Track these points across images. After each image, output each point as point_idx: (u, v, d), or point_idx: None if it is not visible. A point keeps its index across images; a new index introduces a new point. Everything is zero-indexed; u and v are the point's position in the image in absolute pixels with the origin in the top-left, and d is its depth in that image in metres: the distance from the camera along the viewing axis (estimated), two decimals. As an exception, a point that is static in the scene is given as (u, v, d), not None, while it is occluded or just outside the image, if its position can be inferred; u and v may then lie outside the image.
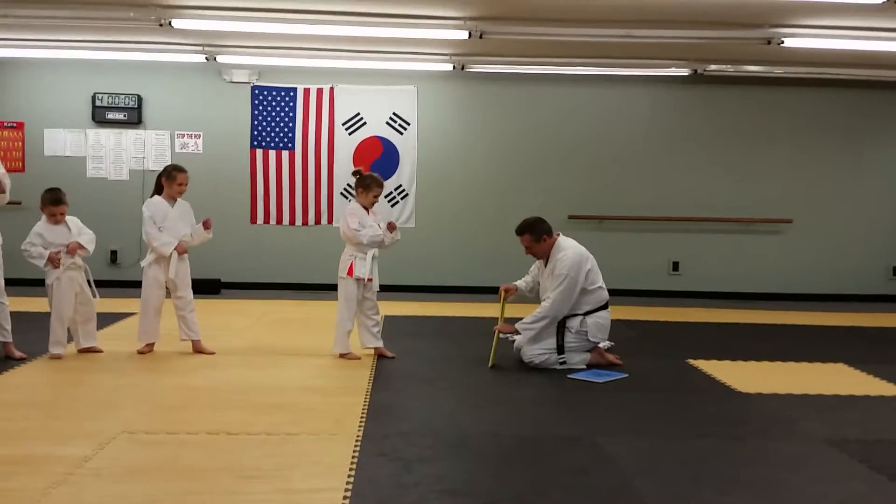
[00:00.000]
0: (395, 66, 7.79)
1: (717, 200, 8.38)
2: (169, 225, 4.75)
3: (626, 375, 4.49)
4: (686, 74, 8.01)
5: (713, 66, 7.76)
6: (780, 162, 8.38)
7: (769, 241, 8.48)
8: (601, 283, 4.74)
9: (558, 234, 4.79)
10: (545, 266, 4.78)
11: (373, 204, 4.83)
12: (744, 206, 8.38)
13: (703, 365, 4.86)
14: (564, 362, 4.62)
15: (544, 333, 4.63)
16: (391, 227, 4.85)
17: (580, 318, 4.66)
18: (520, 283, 5.00)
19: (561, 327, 4.64)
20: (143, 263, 4.83)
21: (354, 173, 4.87)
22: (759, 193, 8.40)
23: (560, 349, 4.62)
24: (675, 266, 8.48)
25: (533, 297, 4.91)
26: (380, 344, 4.87)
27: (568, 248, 4.68)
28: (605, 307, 4.75)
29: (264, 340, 5.38)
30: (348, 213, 4.76)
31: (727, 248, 8.44)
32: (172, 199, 4.81)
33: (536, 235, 4.69)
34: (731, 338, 5.97)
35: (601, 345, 4.92)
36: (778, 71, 7.68)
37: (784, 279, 8.43)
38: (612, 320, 4.85)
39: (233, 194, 8.24)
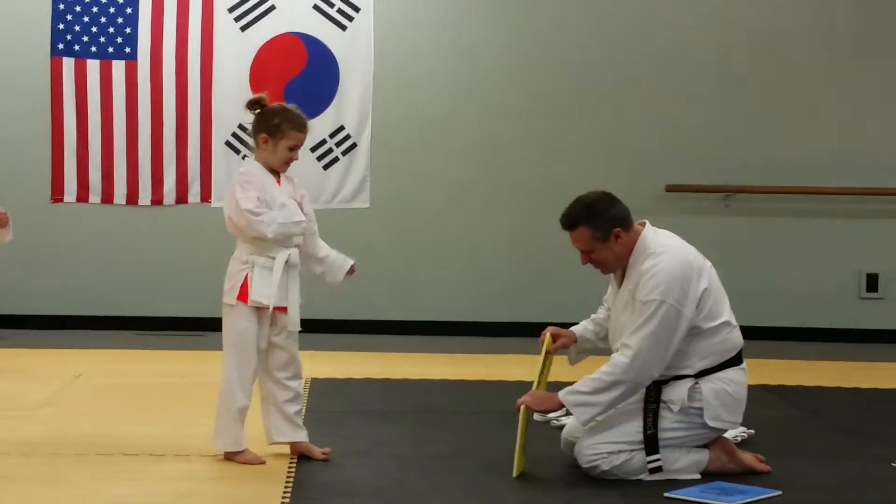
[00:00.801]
0: None
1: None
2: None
3: (779, 493, 4.50)
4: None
5: None
6: None
7: None
8: (728, 315, 4.78)
9: (643, 225, 4.82)
10: (619, 285, 4.83)
11: (288, 163, 4.87)
12: None
13: (924, 472, 4.91)
14: (659, 468, 4.64)
15: (617, 413, 4.67)
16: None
17: (689, 382, 4.68)
18: (583, 327, 5.03)
19: (652, 401, 4.68)
20: None
21: (252, 105, 4.90)
22: None
23: (651, 443, 4.66)
24: (872, 282, 8.56)
25: (607, 348, 4.94)
26: (303, 436, 4.91)
27: (663, 250, 4.70)
28: (735, 361, 4.78)
29: (81, 428, 5.37)
30: (240, 182, 4.77)
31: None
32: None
33: (601, 229, 4.70)
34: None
35: (730, 434, 4.94)
36: None
37: None
38: (750, 386, 4.87)
39: (17, 148, 8.27)
